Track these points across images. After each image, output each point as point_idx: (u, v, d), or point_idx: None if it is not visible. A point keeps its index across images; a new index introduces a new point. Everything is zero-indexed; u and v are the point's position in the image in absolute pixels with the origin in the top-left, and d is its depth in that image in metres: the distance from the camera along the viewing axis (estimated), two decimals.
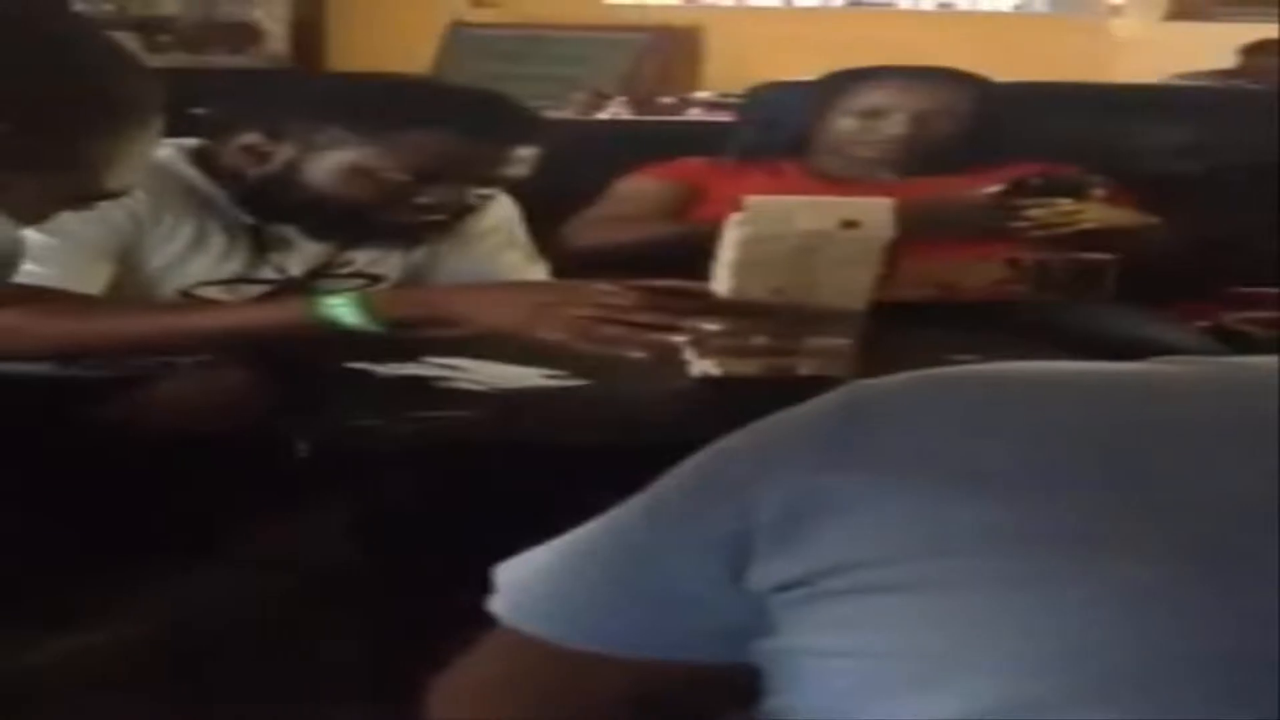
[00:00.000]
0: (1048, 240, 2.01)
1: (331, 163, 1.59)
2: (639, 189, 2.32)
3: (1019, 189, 2.04)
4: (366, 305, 1.43)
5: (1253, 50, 3.69)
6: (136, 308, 1.56)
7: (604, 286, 1.40)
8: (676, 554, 0.69)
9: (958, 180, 2.19)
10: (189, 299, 1.60)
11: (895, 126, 2.28)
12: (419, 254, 1.77)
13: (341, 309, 1.42)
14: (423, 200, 1.62)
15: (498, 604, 0.77)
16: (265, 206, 1.65)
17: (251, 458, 1.35)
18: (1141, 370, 0.68)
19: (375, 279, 1.72)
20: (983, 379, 0.69)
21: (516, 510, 1.32)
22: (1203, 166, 2.03)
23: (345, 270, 1.71)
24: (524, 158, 1.64)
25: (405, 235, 1.70)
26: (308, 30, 4.74)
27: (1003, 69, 2.47)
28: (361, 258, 1.72)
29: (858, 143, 2.30)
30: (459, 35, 4.61)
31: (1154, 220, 2.01)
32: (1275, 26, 3.77)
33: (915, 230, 1.93)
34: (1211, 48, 3.79)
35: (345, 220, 1.64)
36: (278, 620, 1.33)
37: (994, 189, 2.07)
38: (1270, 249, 1.97)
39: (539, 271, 1.84)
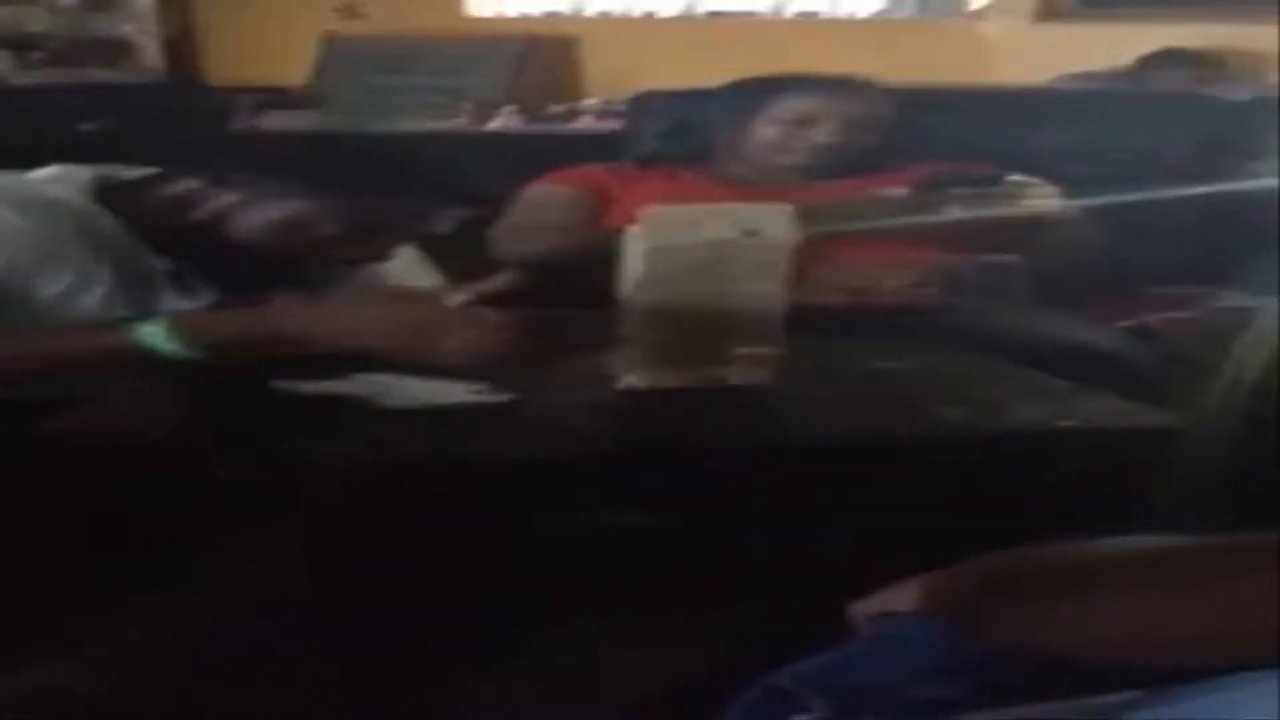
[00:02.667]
0: (958, 242, 2.01)
1: (264, 216, 1.50)
2: (549, 196, 2.27)
3: (935, 184, 2.01)
4: (178, 331, 1.30)
5: (1150, 59, 3.78)
6: None
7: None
8: None
9: (866, 182, 2.17)
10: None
11: (825, 134, 2.27)
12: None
13: (153, 335, 1.30)
14: (347, 253, 1.55)
15: None
16: (177, 250, 1.53)
17: (175, 481, 1.28)
18: None
19: None
20: None
21: (449, 526, 1.30)
22: (1103, 168, 2.03)
23: None
24: (455, 217, 1.59)
25: (315, 282, 1.60)
26: (180, 44, 4.62)
27: (876, 74, 2.46)
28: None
29: (780, 150, 2.28)
30: (334, 48, 4.51)
31: (1073, 207, 2.00)
32: (1143, 27, 3.88)
33: (837, 232, 1.94)
34: (1080, 49, 3.86)
35: (262, 269, 1.53)
36: (226, 646, 1.26)
37: (911, 187, 2.05)
38: (1171, 251, 2.01)
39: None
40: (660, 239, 1.35)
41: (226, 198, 1.49)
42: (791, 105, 2.31)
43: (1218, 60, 3.82)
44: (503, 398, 1.38)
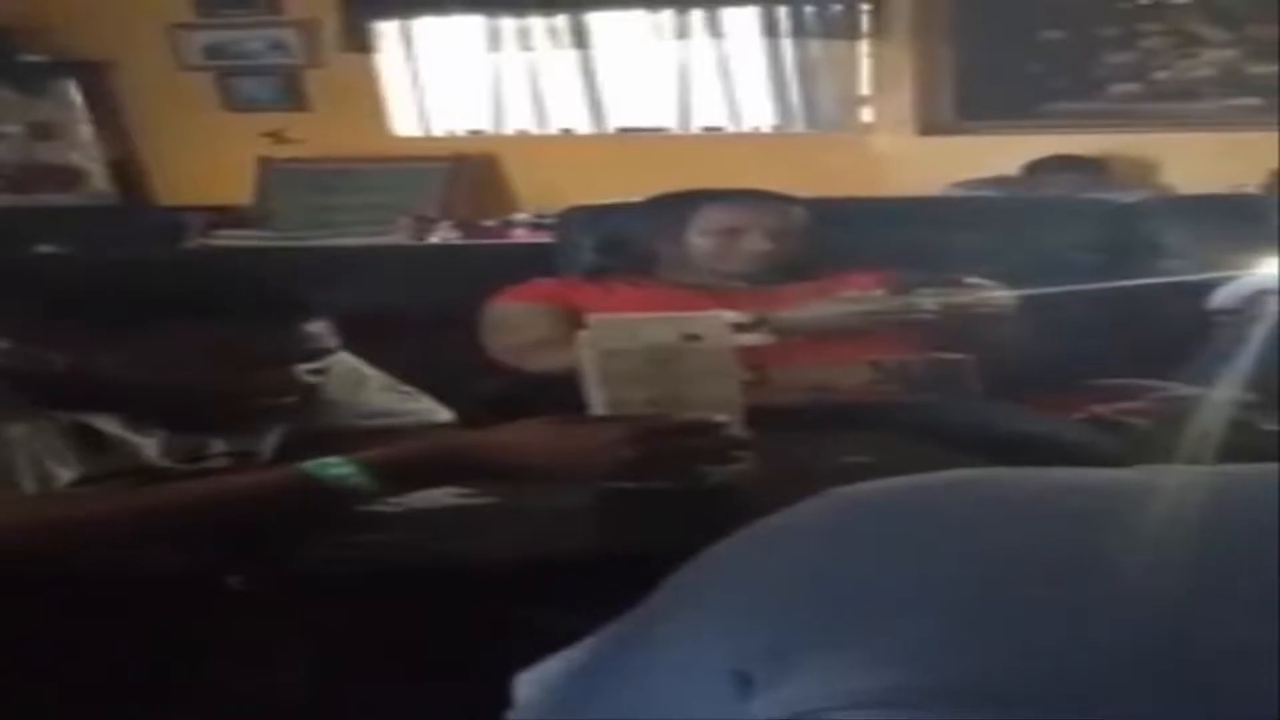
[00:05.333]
0: (913, 341, 2.02)
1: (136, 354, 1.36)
2: (520, 314, 2.26)
3: (902, 287, 2.01)
4: (369, 468, 1.27)
5: (1035, 166, 3.90)
6: (105, 493, 1.34)
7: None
8: (680, 684, 0.62)
9: (816, 287, 2.21)
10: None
11: (755, 243, 2.30)
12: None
13: (343, 472, 1.26)
14: (253, 389, 1.44)
15: (512, 713, 0.74)
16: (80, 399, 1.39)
17: (179, 594, 1.27)
18: (1126, 480, 0.62)
19: (247, 455, 1.53)
20: (958, 496, 0.62)
21: (448, 630, 1.29)
22: (1011, 270, 2.09)
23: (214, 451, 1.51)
24: (320, 333, 1.49)
25: (261, 420, 1.52)
26: (124, 168, 4.61)
27: (779, 185, 2.50)
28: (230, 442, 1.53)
29: (719, 258, 2.31)
30: (273, 170, 4.53)
31: (1020, 299, 2.00)
32: (1018, 138, 4.02)
33: (810, 335, 1.96)
34: (964, 159, 3.99)
35: (183, 411, 1.43)
36: None
37: (883, 288, 2.05)
38: (1101, 345, 2.05)
39: (427, 404, 1.72)
40: (606, 344, 1.36)
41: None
42: (714, 217, 2.33)
43: (1100, 165, 3.95)
44: (488, 500, 1.39)
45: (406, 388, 1.74)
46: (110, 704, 1.19)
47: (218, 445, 1.52)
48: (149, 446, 1.45)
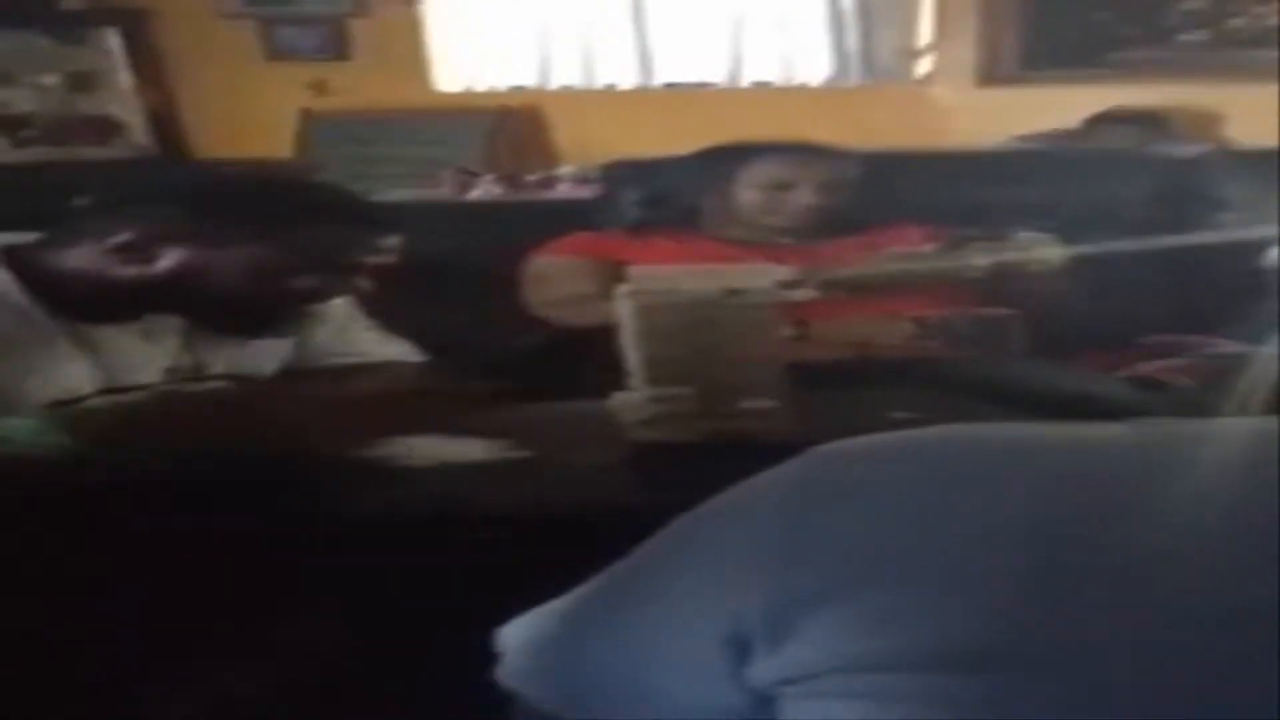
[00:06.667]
0: (957, 296, 1.99)
1: (224, 260, 1.45)
2: (560, 268, 2.24)
3: (952, 242, 1.99)
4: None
5: (1097, 118, 3.82)
6: None
7: None
8: (674, 648, 0.63)
9: (861, 241, 2.18)
10: None
11: (804, 197, 2.27)
12: (285, 345, 1.64)
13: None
14: (305, 287, 1.53)
15: (500, 667, 0.74)
16: (119, 308, 1.48)
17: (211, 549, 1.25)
18: (1114, 437, 0.60)
19: (246, 378, 1.57)
20: (944, 452, 0.61)
21: (477, 585, 1.27)
22: (1065, 224, 2.04)
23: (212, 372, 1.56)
24: (394, 245, 1.56)
25: (279, 324, 1.58)
26: (164, 120, 4.60)
27: (831, 138, 2.46)
28: (223, 356, 1.58)
29: (766, 212, 2.28)
30: (312, 123, 4.51)
31: (1072, 255, 1.98)
32: (1082, 89, 3.93)
33: (853, 290, 1.93)
34: (1024, 111, 3.91)
35: (222, 315, 1.51)
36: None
37: (935, 243, 2.03)
38: (1151, 301, 2.01)
39: (400, 347, 1.77)
40: (646, 298, 1.34)
41: (177, 248, 1.43)
42: (764, 171, 2.31)
43: (1161, 119, 3.87)
44: (521, 454, 1.36)
45: (397, 341, 1.79)
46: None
47: (217, 366, 1.56)
48: (157, 358, 1.50)
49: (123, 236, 1.42)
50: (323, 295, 1.59)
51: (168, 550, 1.20)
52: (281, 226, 1.48)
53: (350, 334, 1.74)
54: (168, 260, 1.43)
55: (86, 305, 1.45)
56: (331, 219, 1.53)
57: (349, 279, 1.57)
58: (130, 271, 1.43)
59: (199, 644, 1.20)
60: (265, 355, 1.62)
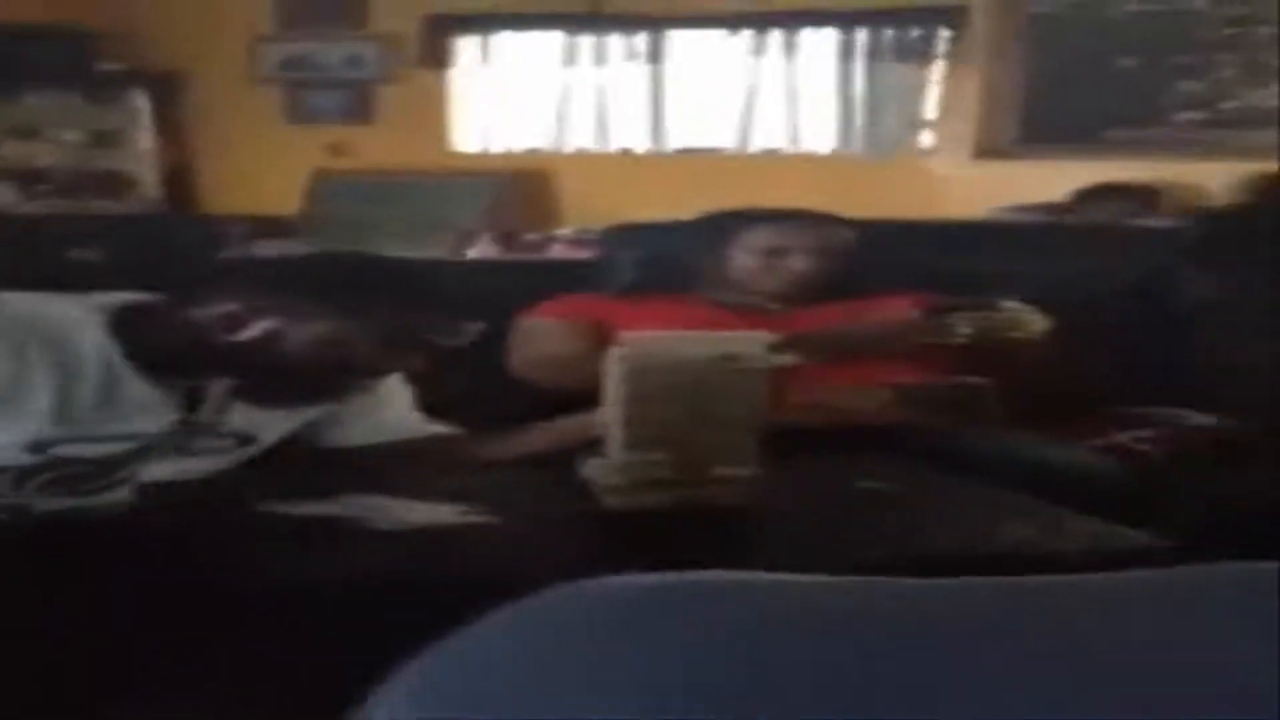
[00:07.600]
0: (935, 364, 1.99)
1: (307, 334, 1.48)
2: (546, 329, 2.25)
3: (939, 310, 2.00)
4: None
5: (1088, 192, 3.85)
6: None
7: None
8: None
9: (851, 308, 2.19)
10: None
11: (798, 263, 2.30)
12: (313, 412, 1.66)
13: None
14: (369, 361, 1.54)
15: None
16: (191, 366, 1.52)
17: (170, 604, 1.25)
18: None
19: (248, 439, 1.59)
20: (716, 601, 0.50)
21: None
22: (1046, 294, 2.04)
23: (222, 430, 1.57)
24: (471, 331, 1.58)
25: (339, 392, 1.61)
26: (178, 178, 4.67)
27: (832, 206, 2.50)
28: (237, 418, 1.58)
29: (761, 277, 2.31)
30: (322, 182, 4.57)
31: (1060, 325, 1.98)
32: (1076, 164, 3.96)
33: (841, 355, 1.93)
34: (1019, 184, 3.94)
35: (278, 380, 1.53)
36: None
37: (920, 311, 2.03)
38: (1126, 371, 2.00)
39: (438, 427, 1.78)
40: (641, 361, 1.35)
41: (267, 320, 1.47)
42: (761, 236, 2.33)
43: (1152, 194, 3.90)
44: (487, 519, 1.36)
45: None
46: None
47: (228, 426, 1.56)
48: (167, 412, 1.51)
49: (228, 307, 1.46)
50: (385, 370, 1.61)
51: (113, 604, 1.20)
52: (376, 306, 1.50)
53: (394, 409, 1.76)
54: (253, 330, 1.46)
55: (170, 363, 1.49)
56: (423, 302, 1.56)
57: (415, 357, 1.58)
58: (222, 339, 1.46)
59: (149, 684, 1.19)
60: (275, 424, 1.62)
